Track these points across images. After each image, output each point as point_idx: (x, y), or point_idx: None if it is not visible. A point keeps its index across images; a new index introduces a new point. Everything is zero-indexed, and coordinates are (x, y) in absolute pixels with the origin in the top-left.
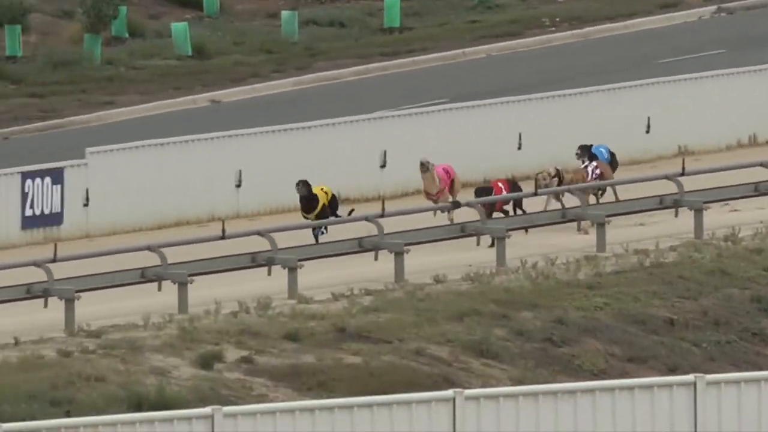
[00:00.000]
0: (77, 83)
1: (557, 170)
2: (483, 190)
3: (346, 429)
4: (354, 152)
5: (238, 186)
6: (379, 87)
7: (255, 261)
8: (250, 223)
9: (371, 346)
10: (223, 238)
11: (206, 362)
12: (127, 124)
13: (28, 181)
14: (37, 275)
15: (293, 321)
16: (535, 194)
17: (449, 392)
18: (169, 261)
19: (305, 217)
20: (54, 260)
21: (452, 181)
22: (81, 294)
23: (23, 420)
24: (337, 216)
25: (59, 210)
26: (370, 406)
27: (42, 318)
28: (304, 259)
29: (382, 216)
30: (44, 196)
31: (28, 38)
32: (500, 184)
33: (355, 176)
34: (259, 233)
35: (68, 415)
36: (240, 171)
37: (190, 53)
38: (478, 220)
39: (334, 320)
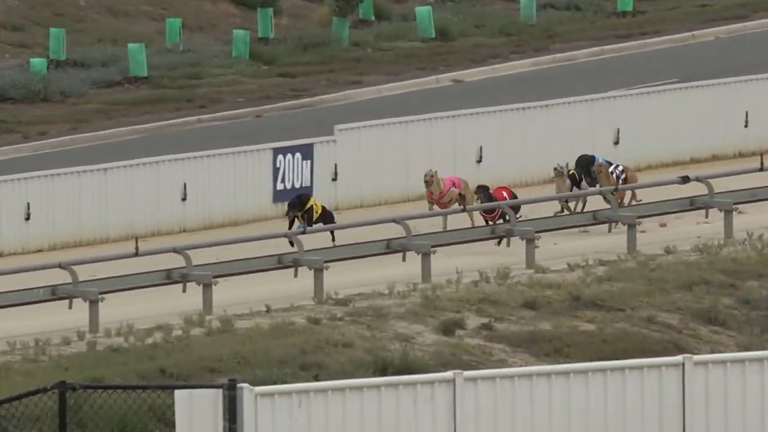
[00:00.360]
0: (326, 64)
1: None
2: (483, 189)
3: (581, 393)
4: (589, 129)
5: (479, 162)
6: (613, 68)
7: (494, 233)
8: None
9: (605, 314)
10: (463, 210)
11: (448, 329)
12: (373, 102)
13: (280, 157)
14: (287, 247)
15: (531, 290)
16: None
17: (679, 358)
18: (414, 233)
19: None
20: (304, 232)
21: (461, 195)
22: (329, 264)
23: (275, 383)
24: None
25: (309, 184)
26: (603, 371)
27: (292, 287)
28: (540, 231)
29: (616, 190)
30: (295, 170)
31: (280, 21)
32: (504, 193)
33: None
34: (499, 206)
35: (317, 379)
36: (481, 147)
37: (433, 35)
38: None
39: (570, 289)
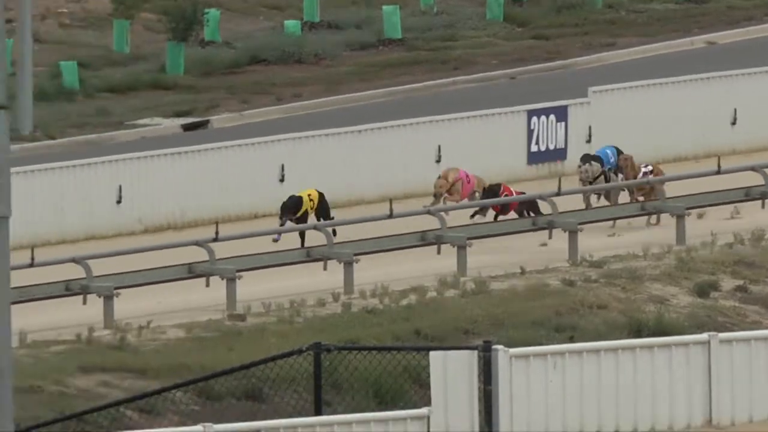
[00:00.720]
0: (580, 26)
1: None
2: (491, 191)
3: None
4: None
5: (733, 124)
6: None
7: (748, 195)
8: (745, 159)
9: None
10: (719, 172)
11: (702, 291)
12: (627, 64)
13: (534, 119)
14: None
15: None
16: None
17: None
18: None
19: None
20: (558, 194)
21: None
22: (582, 227)
23: (529, 345)
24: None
25: (563, 146)
26: None
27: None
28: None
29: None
30: (549, 132)
31: None
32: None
33: None
34: (753, 169)
35: (572, 340)
36: (735, 110)
37: None
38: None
39: None
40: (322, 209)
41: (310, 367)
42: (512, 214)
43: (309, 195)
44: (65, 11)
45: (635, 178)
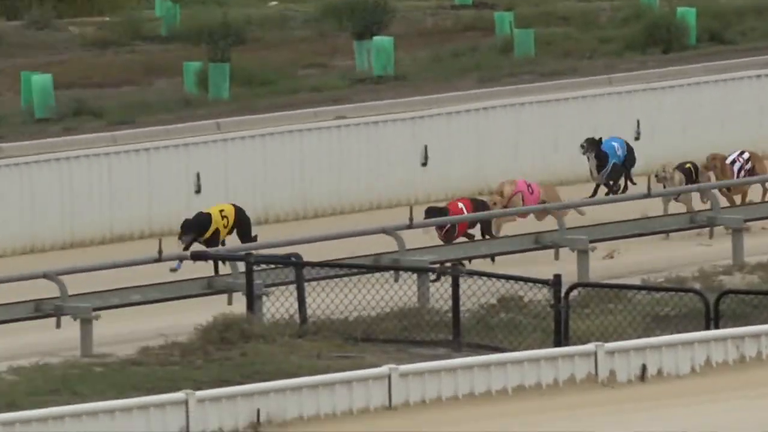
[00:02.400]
0: None
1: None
2: (436, 211)
3: None
4: None
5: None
6: None
7: None
8: None
9: None
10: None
11: None
12: None
13: None
14: None
15: None
16: (647, 195)
17: None
18: None
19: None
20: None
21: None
22: None
23: None
24: (253, 239)
25: None
26: None
27: None
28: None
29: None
30: None
31: None
32: (461, 205)
33: None
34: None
35: None
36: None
37: None
38: None
39: None
40: (242, 227)
41: None
42: None
43: (222, 211)
44: None
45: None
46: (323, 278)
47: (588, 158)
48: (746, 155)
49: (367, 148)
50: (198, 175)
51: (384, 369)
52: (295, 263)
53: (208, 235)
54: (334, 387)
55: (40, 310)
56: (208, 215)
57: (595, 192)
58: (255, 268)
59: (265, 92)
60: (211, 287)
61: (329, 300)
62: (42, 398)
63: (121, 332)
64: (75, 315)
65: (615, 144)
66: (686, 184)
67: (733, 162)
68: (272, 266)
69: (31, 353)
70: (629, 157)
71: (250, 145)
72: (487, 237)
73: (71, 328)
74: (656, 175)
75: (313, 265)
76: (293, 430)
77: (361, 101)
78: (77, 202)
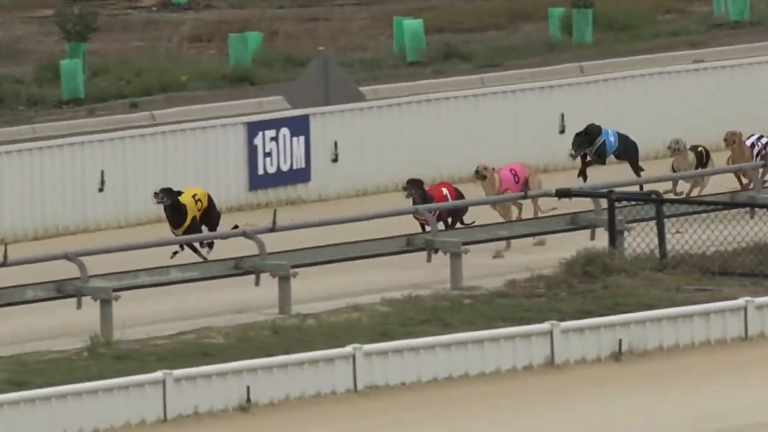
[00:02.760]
0: None
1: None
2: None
3: None
4: None
5: None
6: None
7: None
8: None
9: None
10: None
11: None
12: None
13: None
14: None
15: None
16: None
17: None
18: None
19: (173, 233)
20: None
21: (526, 180)
22: None
23: None
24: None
25: None
26: None
27: None
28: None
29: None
30: None
31: None
32: (444, 190)
33: None
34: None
35: None
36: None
37: None
38: None
39: None
40: (210, 215)
41: None
42: None
43: (195, 195)
44: None
45: (746, 160)
46: (681, 215)
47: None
48: (765, 140)
49: (725, 90)
50: (562, 116)
51: (740, 301)
52: (655, 200)
53: (186, 225)
54: (693, 318)
55: (411, 244)
56: (183, 206)
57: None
58: (617, 205)
59: (626, 37)
60: (574, 223)
61: (687, 236)
62: (413, 329)
63: (490, 266)
64: (445, 250)
65: (609, 133)
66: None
67: (753, 145)
68: (633, 203)
69: (403, 286)
70: (624, 147)
71: (612, 86)
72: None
73: (443, 260)
74: (669, 147)
75: (672, 201)
76: (653, 359)
77: (718, 45)
78: (445, 140)
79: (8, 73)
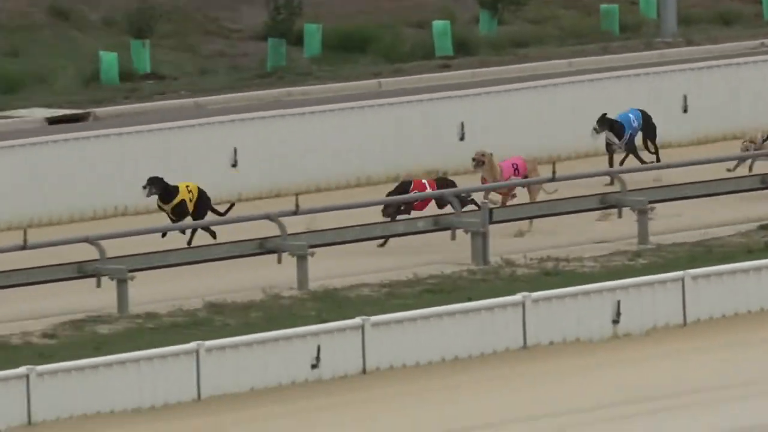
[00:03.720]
0: None
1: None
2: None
3: None
4: None
5: None
6: None
7: None
8: None
9: None
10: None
11: None
12: None
13: None
14: None
15: None
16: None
17: None
18: None
19: (163, 208)
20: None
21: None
22: None
23: None
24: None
25: None
26: None
27: None
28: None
29: None
30: None
31: None
32: (424, 181)
33: None
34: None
35: None
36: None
37: None
38: None
39: None
40: (200, 207)
41: None
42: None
43: (188, 186)
44: None
45: (496, 179)
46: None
47: (606, 136)
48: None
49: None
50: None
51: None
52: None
53: (174, 203)
54: None
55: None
56: (176, 188)
57: (623, 162)
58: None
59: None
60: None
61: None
62: None
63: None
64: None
65: (631, 116)
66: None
67: (514, 165)
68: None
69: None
70: (647, 127)
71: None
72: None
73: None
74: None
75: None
76: None
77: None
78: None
79: None
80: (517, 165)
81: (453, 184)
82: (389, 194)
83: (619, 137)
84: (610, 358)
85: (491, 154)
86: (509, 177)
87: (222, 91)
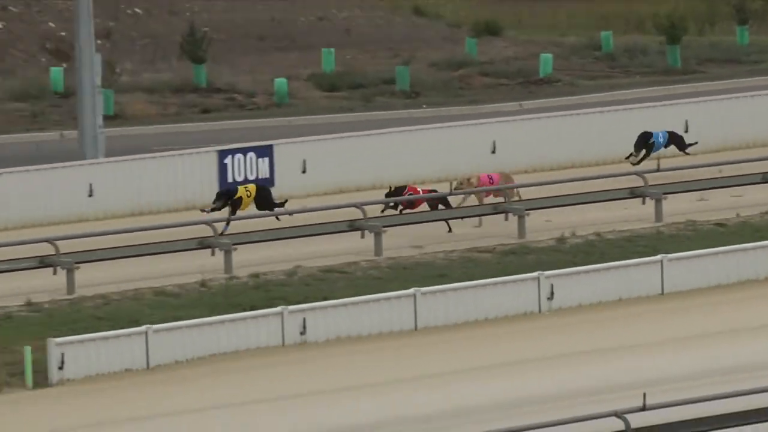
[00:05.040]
0: None
1: None
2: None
3: None
4: None
5: None
6: None
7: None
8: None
9: None
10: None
11: None
12: None
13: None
14: None
15: None
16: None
17: None
18: None
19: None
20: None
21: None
22: None
23: None
24: (277, 207)
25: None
26: None
27: None
28: None
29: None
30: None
31: None
32: (418, 187)
33: None
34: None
35: None
36: None
37: None
38: None
39: None
40: (262, 200)
41: None
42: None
43: (246, 188)
44: None
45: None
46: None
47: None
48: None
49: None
50: None
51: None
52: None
53: (234, 198)
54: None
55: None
56: (236, 188)
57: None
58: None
59: None
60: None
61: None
62: None
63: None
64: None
65: (660, 135)
66: None
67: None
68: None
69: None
70: (674, 140)
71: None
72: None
73: None
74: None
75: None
76: None
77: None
78: None
79: None
80: (492, 177)
81: (435, 191)
82: (387, 195)
83: (649, 150)
84: None
85: (468, 179)
86: (484, 184)
87: None
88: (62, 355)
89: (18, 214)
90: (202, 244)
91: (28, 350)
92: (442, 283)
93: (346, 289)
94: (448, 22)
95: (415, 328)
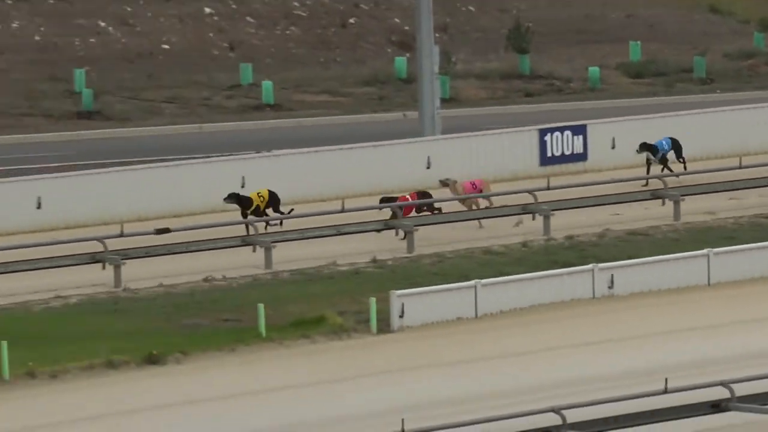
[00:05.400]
0: None
1: None
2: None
3: None
4: None
5: None
6: None
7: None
8: None
9: None
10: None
11: None
12: None
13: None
14: None
15: None
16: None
17: None
18: None
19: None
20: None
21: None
22: None
23: None
24: (281, 212)
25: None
26: None
27: None
28: None
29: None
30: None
31: None
32: (407, 196)
33: None
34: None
35: None
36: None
37: None
38: None
39: None
40: (273, 203)
41: None
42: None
43: (259, 194)
44: None
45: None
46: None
47: (646, 154)
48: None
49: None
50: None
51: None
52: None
53: (251, 209)
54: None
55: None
56: (249, 198)
57: (666, 168)
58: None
59: None
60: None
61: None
62: None
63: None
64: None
65: (663, 141)
66: None
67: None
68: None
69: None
70: (675, 147)
71: None
72: (436, 212)
73: None
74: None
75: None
76: None
77: None
78: None
79: None
80: (475, 183)
81: (429, 195)
82: (381, 201)
83: (654, 155)
84: None
85: (455, 181)
86: (470, 191)
87: None
88: (402, 305)
89: (365, 183)
90: (525, 210)
91: (373, 301)
92: (732, 245)
93: (649, 249)
94: (738, 19)
95: (708, 284)
